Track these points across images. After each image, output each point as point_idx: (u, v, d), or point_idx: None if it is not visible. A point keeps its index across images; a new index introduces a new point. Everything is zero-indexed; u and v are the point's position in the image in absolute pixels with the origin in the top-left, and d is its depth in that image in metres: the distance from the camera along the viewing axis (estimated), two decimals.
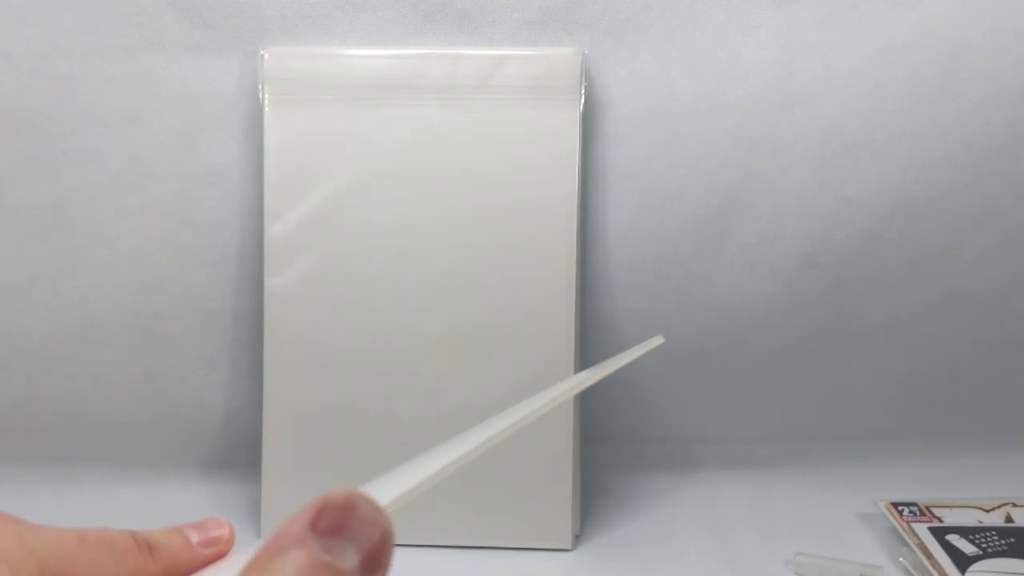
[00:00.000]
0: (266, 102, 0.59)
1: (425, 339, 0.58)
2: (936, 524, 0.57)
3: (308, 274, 0.59)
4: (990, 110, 0.63)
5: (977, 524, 0.57)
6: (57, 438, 0.67)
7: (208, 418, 0.67)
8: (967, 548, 0.55)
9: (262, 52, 0.59)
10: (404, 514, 0.23)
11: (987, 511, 0.59)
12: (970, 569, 0.53)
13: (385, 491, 0.22)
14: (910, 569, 0.55)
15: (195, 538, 0.29)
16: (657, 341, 0.36)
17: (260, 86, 0.59)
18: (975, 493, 0.61)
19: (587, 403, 0.68)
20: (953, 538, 0.55)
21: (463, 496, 0.59)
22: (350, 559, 0.19)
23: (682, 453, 0.70)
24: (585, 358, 0.67)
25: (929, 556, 0.54)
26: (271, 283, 0.59)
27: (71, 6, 0.59)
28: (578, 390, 0.32)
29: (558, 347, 0.58)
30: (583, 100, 0.58)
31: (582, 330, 0.63)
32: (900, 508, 0.59)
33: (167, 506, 0.63)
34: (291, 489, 0.59)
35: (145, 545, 0.27)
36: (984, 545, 0.55)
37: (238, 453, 0.66)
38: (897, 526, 0.57)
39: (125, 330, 0.65)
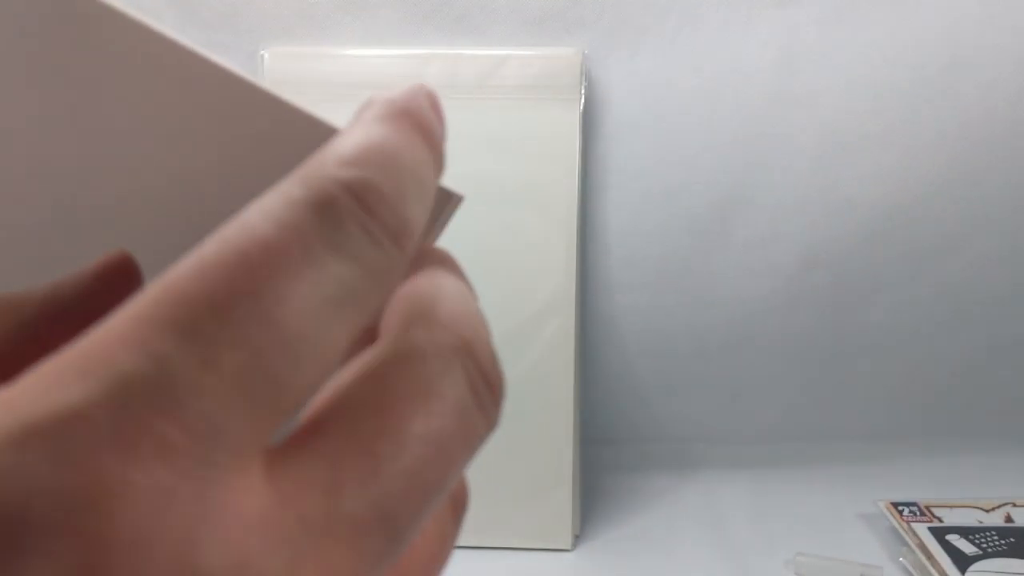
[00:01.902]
0: None
1: None
2: (936, 524, 0.57)
3: None
4: (990, 110, 0.63)
5: (977, 524, 0.57)
6: None
7: None
8: (967, 548, 0.55)
9: (262, 52, 0.59)
10: None
11: (987, 511, 0.59)
12: (970, 569, 0.53)
13: None
14: (910, 569, 0.55)
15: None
16: None
17: None
18: (975, 493, 0.61)
19: (587, 403, 0.68)
20: (953, 538, 0.55)
21: None
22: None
23: (682, 453, 0.70)
24: (585, 357, 0.67)
25: (929, 556, 0.54)
26: None
27: None
28: None
29: (558, 347, 0.58)
30: (583, 100, 0.58)
31: (582, 329, 0.63)
32: (900, 508, 0.59)
33: None
34: None
35: None
36: (984, 545, 0.55)
37: None
38: (897, 526, 0.57)
39: None
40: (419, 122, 0.15)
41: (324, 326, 0.13)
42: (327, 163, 0.14)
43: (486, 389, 0.15)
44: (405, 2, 0.59)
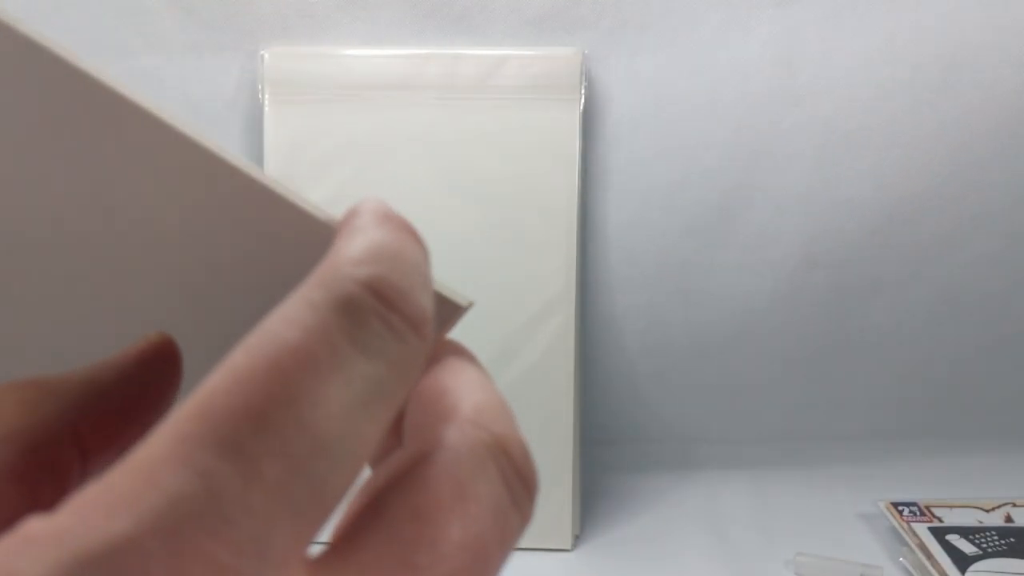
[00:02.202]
0: (266, 102, 0.59)
1: None
2: (936, 524, 0.57)
3: None
4: (990, 110, 0.62)
5: (977, 524, 0.57)
6: None
7: None
8: (967, 548, 0.55)
9: (262, 52, 0.59)
10: None
11: (987, 511, 0.59)
12: (970, 569, 0.53)
13: None
14: (910, 569, 0.55)
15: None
16: None
17: (260, 86, 0.59)
18: (975, 493, 0.61)
19: (587, 403, 0.68)
20: (953, 538, 0.55)
21: None
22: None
23: (682, 453, 0.70)
24: (585, 357, 0.67)
25: (929, 556, 0.54)
26: None
27: (71, 6, 0.59)
28: None
29: (558, 347, 0.58)
30: (583, 100, 0.58)
31: (582, 329, 0.63)
32: (900, 508, 0.59)
33: None
34: None
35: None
36: (984, 545, 0.55)
37: None
38: (897, 526, 0.57)
39: None
40: (403, 223, 0.16)
41: (356, 425, 0.13)
42: (341, 265, 0.14)
43: (520, 485, 0.15)
44: (405, 2, 0.59)
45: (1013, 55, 0.61)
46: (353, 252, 0.14)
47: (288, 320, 0.13)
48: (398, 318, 0.14)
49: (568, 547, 0.58)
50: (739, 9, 0.60)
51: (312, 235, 0.17)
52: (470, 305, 0.18)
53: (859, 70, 0.61)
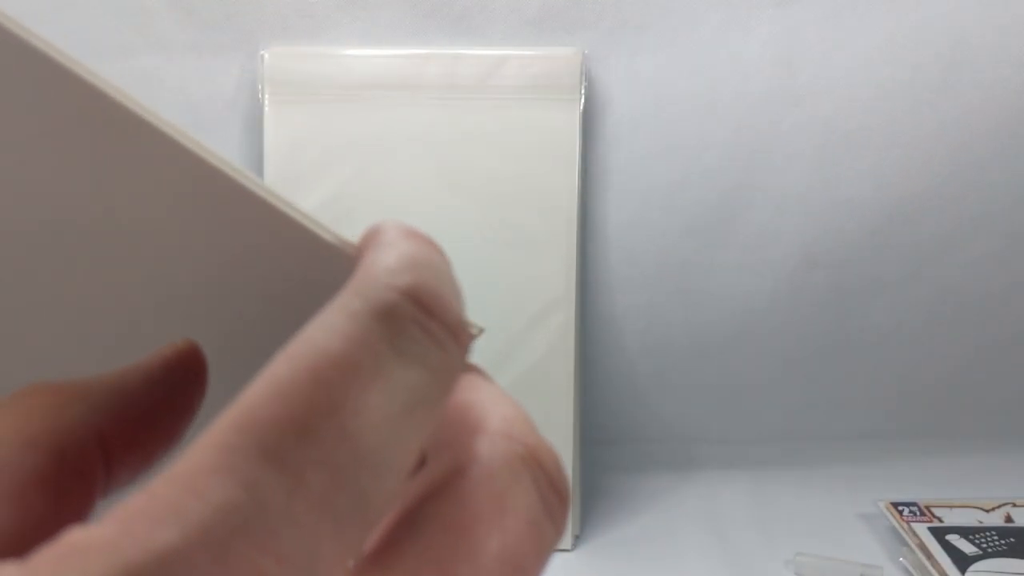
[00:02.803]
0: (266, 102, 0.59)
1: None
2: (936, 524, 0.57)
3: None
4: (990, 110, 0.63)
5: (977, 524, 0.57)
6: None
7: None
8: (967, 548, 0.55)
9: (262, 52, 0.59)
10: None
11: (987, 511, 0.59)
12: (970, 569, 0.53)
13: None
14: (910, 569, 0.55)
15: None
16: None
17: (260, 86, 0.59)
18: (975, 493, 0.61)
19: (587, 403, 0.68)
20: (953, 538, 0.56)
21: None
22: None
23: (682, 453, 0.70)
24: (585, 357, 0.67)
25: (929, 556, 0.54)
26: None
27: (71, 6, 0.59)
28: None
29: (558, 346, 0.58)
30: (583, 100, 0.58)
31: (582, 329, 0.63)
32: (900, 508, 0.59)
33: None
34: None
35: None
36: (984, 545, 0.55)
37: None
38: (897, 526, 0.57)
39: None
40: (428, 238, 0.16)
41: (399, 434, 0.13)
42: (378, 274, 0.14)
43: (554, 496, 0.15)
44: (405, 2, 0.59)
45: (1013, 55, 0.61)
46: (389, 262, 0.14)
47: (328, 329, 0.13)
48: (437, 325, 0.14)
49: (568, 547, 0.58)
50: (739, 9, 0.60)
51: (318, 254, 0.17)
52: (480, 332, 0.18)
53: (859, 70, 0.61)
